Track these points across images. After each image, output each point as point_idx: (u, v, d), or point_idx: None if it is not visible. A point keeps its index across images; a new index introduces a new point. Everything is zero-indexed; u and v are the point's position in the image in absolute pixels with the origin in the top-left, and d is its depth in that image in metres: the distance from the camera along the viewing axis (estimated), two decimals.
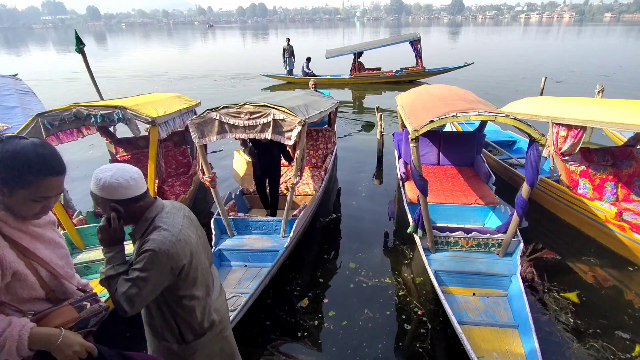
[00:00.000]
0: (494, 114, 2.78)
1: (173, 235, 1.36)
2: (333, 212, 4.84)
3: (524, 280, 3.39)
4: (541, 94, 8.91)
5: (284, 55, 14.11)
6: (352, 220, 4.63)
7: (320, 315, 3.12)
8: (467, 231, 3.26)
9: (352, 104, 11.45)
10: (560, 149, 3.95)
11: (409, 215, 3.76)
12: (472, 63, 14.58)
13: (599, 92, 6.65)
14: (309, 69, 14.11)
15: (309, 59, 14.17)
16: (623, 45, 31.85)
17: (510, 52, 26.14)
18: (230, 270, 3.42)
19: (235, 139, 3.23)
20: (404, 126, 5.05)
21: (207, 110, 3.13)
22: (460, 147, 4.83)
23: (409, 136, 2.89)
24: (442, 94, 3.84)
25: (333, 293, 3.40)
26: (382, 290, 3.41)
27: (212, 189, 3.42)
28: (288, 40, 14.11)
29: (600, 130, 6.61)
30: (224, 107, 3.10)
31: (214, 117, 3.09)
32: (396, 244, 4.10)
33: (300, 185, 4.59)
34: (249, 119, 3.08)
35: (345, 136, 8.10)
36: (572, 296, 3.27)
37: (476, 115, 2.75)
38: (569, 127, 3.85)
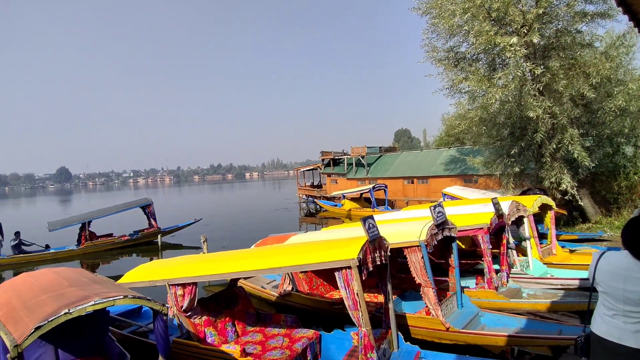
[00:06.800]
0: (112, 299, 3.35)
1: None
2: None
3: None
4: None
5: None
6: None
7: None
8: None
9: None
10: (181, 306, 5.17)
11: None
12: (202, 218, 19.30)
13: (204, 241, 9.38)
14: (25, 243, 15.29)
15: (17, 234, 15.30)
16: (212, 199, 48.46)
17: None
18: None
19: None
20: None
21: None
22: (83, 334, 4.86)
23: (9, 355, 2.73)
24: (47, 283, 3.94)
25: None
26: None
27: None
28: None
29: None
30: None
31: None
32: None
33: None
34: None
35: None
36: None
37: (92, 305, 3.19)
38: (183, 285, 5.21)
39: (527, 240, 8.63)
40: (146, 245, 16.92)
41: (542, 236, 9.89)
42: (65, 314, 2.98)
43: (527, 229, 8.73)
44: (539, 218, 9.92)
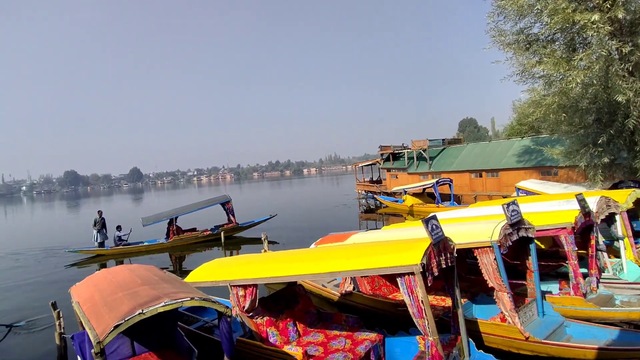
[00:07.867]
0: (181, 301, 3.55)
1: None
2: None
3: None
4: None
5: (94, 228, 16.86)
6: None
7: None
8: None
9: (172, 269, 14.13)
10: (243, 307, 5.36)
11: None
12: (276, 214, 20.50)
13: (264, 239, 9.69)
14: (122, 239, 16.99)
15: (119, 228, 17.15)
16: (272, 195, 50.72)
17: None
18: None
19: None
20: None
21: None
22: (155, 328, 5.23)
23: (93, 350, 3.01)
24: (123, 280, 4.29)
25: None
26: None
27: None
28: (100, 212, 17.34)
29: None
30: None
31: None
32: None
33: None
34: None
35: None
36: None
37: (163, 306, 3.40)
38: (244, 287, 5.39)
39: (620, 240, 7.75)
40: (226, 239, 18.09)
41: (637, 235, 8.84)
42: (139, 314, 3.23)
43: (620, 227, 7.83)
44: (634, 214, 8.86)
